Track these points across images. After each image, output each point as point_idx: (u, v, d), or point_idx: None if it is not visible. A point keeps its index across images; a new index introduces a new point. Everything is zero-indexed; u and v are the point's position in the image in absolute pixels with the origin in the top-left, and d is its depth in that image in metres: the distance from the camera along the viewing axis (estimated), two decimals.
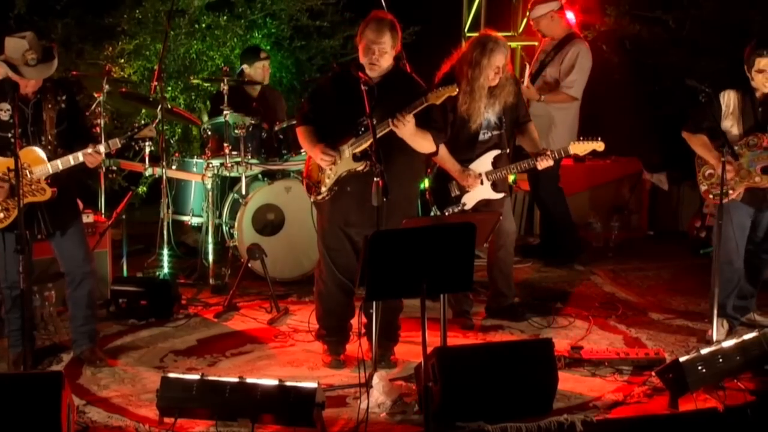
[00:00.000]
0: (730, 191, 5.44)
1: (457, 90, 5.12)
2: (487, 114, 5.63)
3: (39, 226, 5.02)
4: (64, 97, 5.05)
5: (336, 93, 5.08)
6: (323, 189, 5.06)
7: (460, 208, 5.66)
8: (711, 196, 5.56)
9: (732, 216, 5.42)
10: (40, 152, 4.93)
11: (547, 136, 6.90)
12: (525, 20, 9.16)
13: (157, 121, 6.88)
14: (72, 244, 5.18)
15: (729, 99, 5.47)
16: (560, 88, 7.04)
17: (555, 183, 7.29)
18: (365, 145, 4.87)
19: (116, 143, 5.07)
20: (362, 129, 4.91)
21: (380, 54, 4.92)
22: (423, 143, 5.00)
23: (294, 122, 6.96)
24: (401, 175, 4.97)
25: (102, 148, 4.97)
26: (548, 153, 5.59)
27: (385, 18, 5.01)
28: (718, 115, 5.47)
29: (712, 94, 5.38)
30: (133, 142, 5.22)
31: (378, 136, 4.74)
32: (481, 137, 5.66)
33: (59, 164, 4.94)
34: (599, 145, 5.71)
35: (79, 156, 4.94)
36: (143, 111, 8.23)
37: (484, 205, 5.70)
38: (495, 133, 5.68)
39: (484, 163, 5.66)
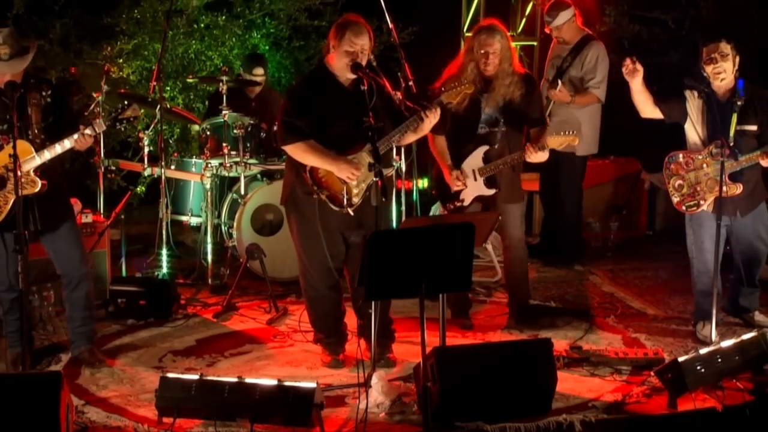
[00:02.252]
0: (701, 201, 5.43)
1: (473, 88, 5.13)
2: (486, 108, 5.60)
3: (28, 223, 4.95)
4: (49, 92, 5.04)
5: (325, 98, 4.97)
6: (355, 199, 4.94)
7: (459, 203, 5.67)
8: (684, 208, 5.51)
9: (706, 227, 5.40)
10: (27, 144, 4.91)
11: None
12: (524, 20, 9.18)
13: (157, 121, 6.87)
14: (67, 246, 5.16)
15: (692, 103, 5.44)
16: (588, 88, 6.96)
17: (579, 182, 7.27)
18: (385, 149, 4.88)
19: (101, 125, 5.01)
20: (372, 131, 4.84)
21: (363, 55, 4.89)
22: (418, 137, 5.09)
23: None
24: (391, 177, 5.06)
25: (88, 131, 4.95)
26: (528, 146, 5.47)
27: (360, 21, 4.96)
28: (684, 117, 5.47)
29: (711, 95, 5.38)
30: (119, 123, 5.16)
31: (406, 133, 4.85)
32: (479, 131, 5.62)
33: (46, 153, 4.92)
34: (573, 139, 5.54)
35: (66, 143, 4.93)
36: (142, 111, 8.22)
37: (478, 200, 5.69)
38: (493, 129, 5.62)
39: (475, 159, 5.63)
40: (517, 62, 5.67)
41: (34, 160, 4.90)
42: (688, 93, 5.47)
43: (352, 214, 4.95)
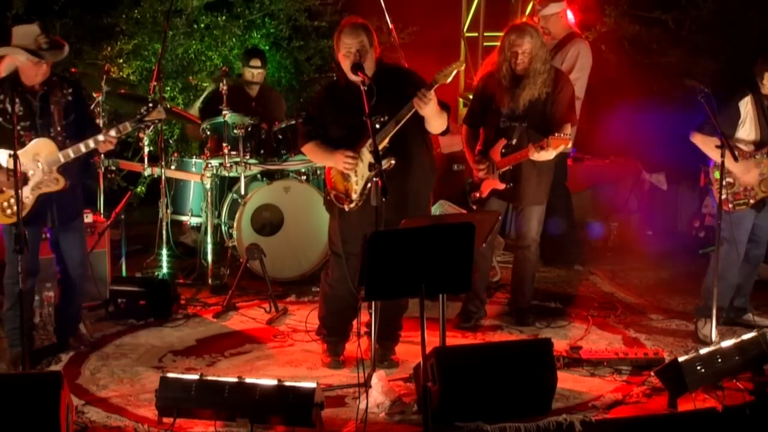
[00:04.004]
0: (751, 200, 5.44)
1: (464, 64, 5.13)
2: (510, 103, 5.62)
3: (47, 219, 5.07)
4: (70, 90, 5.10)
5: (334, 102, 5.06)
6: (354, 196, 4.98)
7: (479, 194, 5.76)
8: (731, 206, 5.48)
9: (745, 224, 5.45)
10: (52, 143, 4.97)
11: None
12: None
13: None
14: (72, 245, 5.23)
15: (746, 109, 5.43)
16: None
17: (560, 181, 7.25)
18: (384, 143, 4.83)
19: (126, 127, 5.05)
20: (377, 126, 4.84)
21: (363, 53, 4.90)
22: (440, 122, 5.01)
23: (293, 122, 6.99)
24: (423, 165, 5.07)
25: (113, 132, 5.01)
26: (530, 145, 5.47)
27: (356, 21, 5.01)
28: (735, 122, 5.44)
29: (711, 95, 5.36)
30: (144, 125, 5.17)
31: (402, 123, 4.83)
32: (501, 124, 5.66)
33: (70, 153, 4.99)
34: (566, 141, 5.50)
35: (90, 143, 4.99)
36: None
37: (497, 196, 5.74)
38: (513, 124, 5.62)
39: (495, 151, 5.67)
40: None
41: (58, 159, 4.96)
42: (741, 102, 5.44)
43: (347, 209, 5.01)
